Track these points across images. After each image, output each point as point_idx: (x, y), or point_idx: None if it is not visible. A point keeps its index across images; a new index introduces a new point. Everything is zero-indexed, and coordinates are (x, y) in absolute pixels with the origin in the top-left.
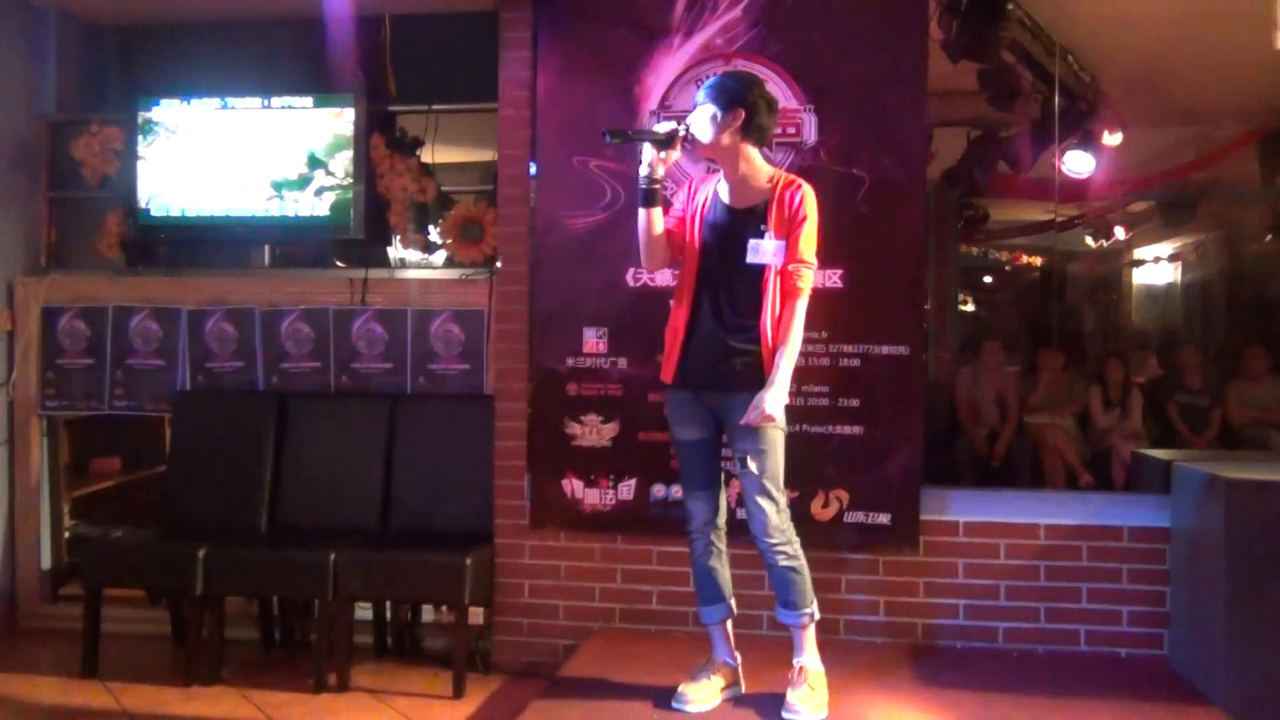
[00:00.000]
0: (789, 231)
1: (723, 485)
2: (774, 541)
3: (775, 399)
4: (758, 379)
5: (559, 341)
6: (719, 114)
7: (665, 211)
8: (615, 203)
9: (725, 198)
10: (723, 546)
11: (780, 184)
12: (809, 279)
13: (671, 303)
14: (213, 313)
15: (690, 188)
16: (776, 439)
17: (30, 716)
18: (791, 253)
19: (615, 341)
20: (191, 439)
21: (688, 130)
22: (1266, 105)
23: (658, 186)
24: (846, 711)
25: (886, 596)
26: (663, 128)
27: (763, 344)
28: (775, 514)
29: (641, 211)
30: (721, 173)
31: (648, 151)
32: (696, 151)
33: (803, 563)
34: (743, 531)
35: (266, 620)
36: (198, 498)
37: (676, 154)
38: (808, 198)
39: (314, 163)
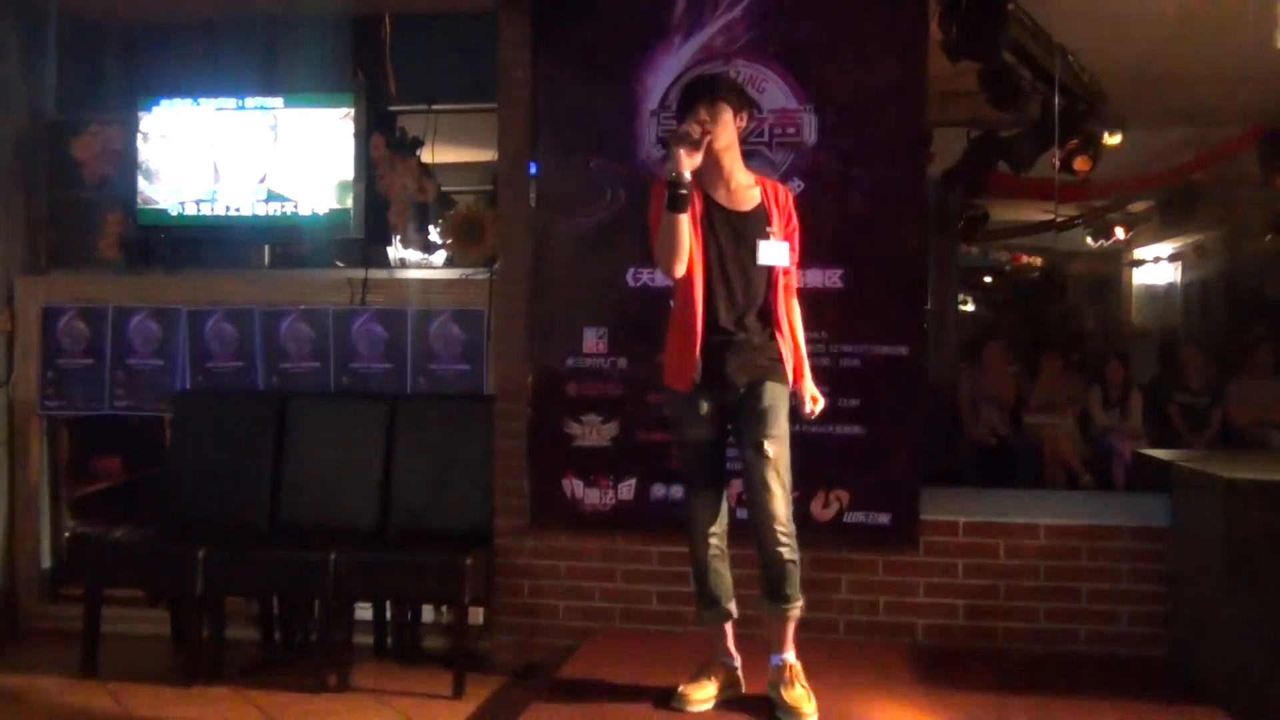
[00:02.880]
0: (789, 234)
1: (725, 487)
2: (781, 531)
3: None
4: (778, 371)
5: (559, 341)
6: (733, 115)
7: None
8: (615, 203)
9: (721, 200)
10: (725, 548)
11: (770, 186)
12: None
13: (673, 303)
14: (213, 313)
15: None
16: (786, 430)
17: (30, 716)
18: (795, 254)
19: (615, 341)
20: (191, 439)
21: (710, 131)
22: (1266, 105)
23: (689, 191)
24: (846, 712)
25: (886, 596)
26: (693, 130)
27: (779, 339)
28: (785, 501)
29: (672, 217)
30: (703, 174)
31: (678, 156)
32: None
33: (798, 557)
34: (744, 532)
35: (266, 620)
36: (198, 498)
37: (699, 158)
38: (791, 200)
39: (314, 163)
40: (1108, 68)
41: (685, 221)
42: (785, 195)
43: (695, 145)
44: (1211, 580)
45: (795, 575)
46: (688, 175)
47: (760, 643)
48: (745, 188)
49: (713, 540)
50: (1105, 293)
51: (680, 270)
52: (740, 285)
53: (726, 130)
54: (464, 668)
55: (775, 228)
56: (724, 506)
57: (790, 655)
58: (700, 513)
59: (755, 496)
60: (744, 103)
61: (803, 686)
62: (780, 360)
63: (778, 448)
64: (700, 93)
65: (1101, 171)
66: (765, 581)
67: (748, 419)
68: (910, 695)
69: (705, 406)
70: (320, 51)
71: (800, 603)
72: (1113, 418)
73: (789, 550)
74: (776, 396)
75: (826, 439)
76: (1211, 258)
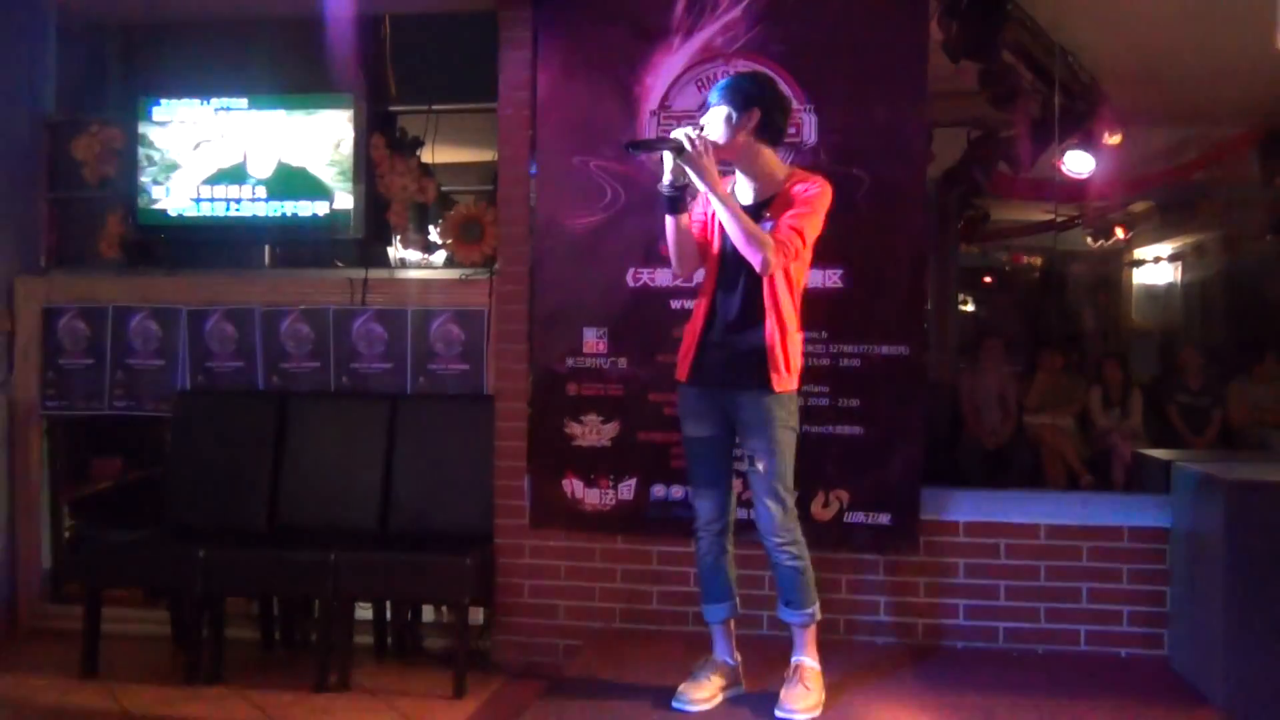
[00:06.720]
0: (783, 211)
1: (732, 484)
2: (780, 541)
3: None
4: (766, 377)
5: (559, 341)
6: (734, 114)
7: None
8: (615, 203)
9: (743, 198)
10: (729, 545)
11: (795, 179)
12: (792, 247)
13: (693, 302)
14: (213, 313)
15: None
16: (787, 440)
17: (30, 717)
18: (778, 223)
19: (615, 341)
20: (191, 439)
21: (701, 132)
22: (1266, 105)
23: (680, 193)
24: (847, 712)
25: (886, 596)
26: (679, 133)
27: (768, 340)
28: (782, 514)
29: (667, 219)
30: (737, 174)
31: (668, 159)
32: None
33: (807, 563)
34: (747, 531)
35: (266, 620)
36: (198, 498)
37: (707, 160)
38: (818, 189)
39: (314, 163)
40: (1108, 68)
41: (681, 223)
42: (802, 182)
43: (679, 149)
44: (1211, 580)
45: (803, 581)
46: (676, 179)
47: (760, 642)
48: (769, 184)
49: (715, 538)
50: (1105, 293)
51: (684, 271)
52: (738, 282)
53: (734, 131)
54: (464, 668)
55: (770, 214)
56: (728, 505)
57: (802, 657)
58: (703, 509)
59: (753, 509)
60: (748, 102)
61: (806, 687)
62: (771, 364)
63: (771, 461)
64: (709, 97)
65: (1101, 171)
66: (778, 589)
67: (743, 427)
68: (910, 695)
69: (702, 402)
70: (320, 51)
71: (812, 609)
72: (1113, 418)
73: (790, 558)
74: (770, 404)
75: (827, 439)
76: (1211, 258)
